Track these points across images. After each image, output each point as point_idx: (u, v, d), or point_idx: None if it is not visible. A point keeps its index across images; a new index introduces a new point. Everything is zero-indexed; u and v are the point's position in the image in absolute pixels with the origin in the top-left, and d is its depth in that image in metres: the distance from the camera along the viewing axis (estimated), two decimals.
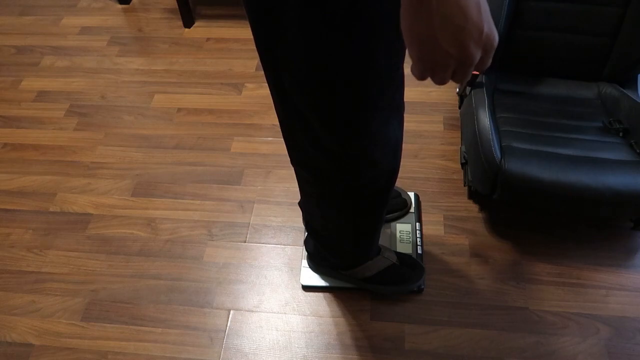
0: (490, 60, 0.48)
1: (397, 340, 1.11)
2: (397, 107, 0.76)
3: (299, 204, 1.07)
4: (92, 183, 1.45)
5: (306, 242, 1.18)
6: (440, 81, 0.49)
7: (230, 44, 1.85)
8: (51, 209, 1.39)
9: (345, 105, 0.68)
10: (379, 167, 0.81)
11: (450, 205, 1.34)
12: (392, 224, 1.29)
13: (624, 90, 1.26)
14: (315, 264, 1.19)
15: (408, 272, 1.16)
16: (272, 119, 1.58)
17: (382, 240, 1.26)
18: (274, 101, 0.74)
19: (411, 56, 0.48)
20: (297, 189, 1.41)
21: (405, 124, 1.55)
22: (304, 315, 1.16)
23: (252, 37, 1.87)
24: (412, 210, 1.31)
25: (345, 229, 0.98)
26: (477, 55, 0.46)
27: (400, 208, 1.29)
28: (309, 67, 0.63)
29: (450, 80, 0.50)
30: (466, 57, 0.45)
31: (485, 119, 1.17)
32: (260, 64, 1.77)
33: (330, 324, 1.15)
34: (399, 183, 1.39)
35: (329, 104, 0.68)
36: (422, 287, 1.18)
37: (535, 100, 1.29)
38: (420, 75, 0.49)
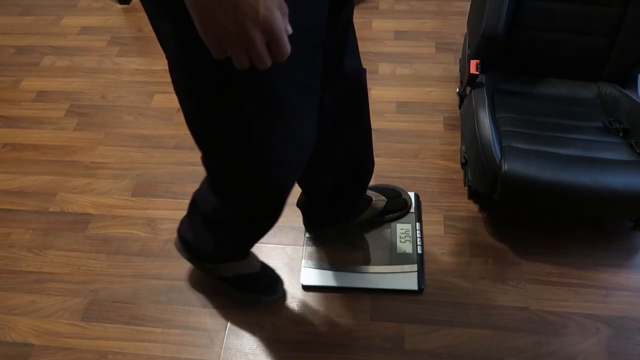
0: (282, 46, 0.50)
1: (397, 340, 1.11)
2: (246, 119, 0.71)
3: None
4: (92, 183, 1.45)
5: (183, 223, 1.12)
6: (237, 62, 0.52)
7: None
8: (51, 209, 1.39)
9: (189, 110, 0.72)
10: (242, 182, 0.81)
11: (450, 205, 1.34)
12: (392, 224, 1.29)
13: (624, 90, 1.26)
14: (183, 247, 1.16)
15: (266, 285, 1.17)
16: None
17: (383, 240, 1.26)
18: None
19: (203, 38, 0.50)
20: (298, 189, 1.41)
21: (405, 124, 1.57)
22: (304, 315, 1.16)
23: None
24: (412, 210, 1.31)
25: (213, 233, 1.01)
26: (256, 35, 0.48)
27: (400, 208, 1.29)
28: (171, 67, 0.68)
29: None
30: (245, 35, 0.48)
31: (485, 119, 1.17)
32: None
33: (330, 324, 1.14)
34: (399, 183, 1.39)
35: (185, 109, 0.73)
36: (422, 287, 1.18)
37: (535, 100, 1.29)
38: (213, 53, 0.51)
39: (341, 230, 1.27)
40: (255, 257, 1.17)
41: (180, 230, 1.11)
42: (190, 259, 1.15)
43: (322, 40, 0.68)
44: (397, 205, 1.29)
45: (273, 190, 0.84)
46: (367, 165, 1.11)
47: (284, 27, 0.50)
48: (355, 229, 1.28)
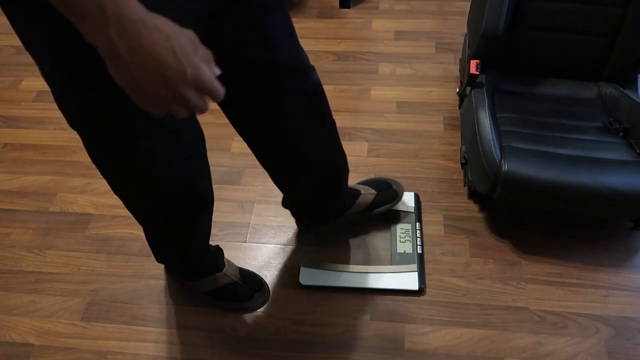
0: (216, 93, 0.51)
1: (397, 340, 1.11)
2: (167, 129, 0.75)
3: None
4: (92, 183, 1.45)
5: (157, 255, 1.14)
6: (177, 115, 0.52)
7: None
8: (51, 209, 1.39)
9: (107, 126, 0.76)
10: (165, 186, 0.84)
11: (450, 205, 1.34)
12: (393, 224, 1.29)
13: (624, 90, 1.26)
14: (170, 271, 1.21)
15: (249, 292, 1.17)
16: None
17: (383, 240, 1.26)
18: None
19: (136, 102, 0.50)
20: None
21: (405, 124, 1.57)
22: (304, 315, 1.16)
23: None
24: (412, 210, 1.31)
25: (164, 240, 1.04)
26: (190, 94, 0.49)
27: (391, 199, 1.28)
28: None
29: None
30: (179, 98, 0.49)
31: (485, 119, 1.17)
32: None
33: (330, 324, 1.14)
34: (400, 182, 1.39)
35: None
36: (422, 287, 1.18)
37: (535, 100, 1.29)
38: (152, 113, 0.52)
39: (333, 228, 1.27)
40: (232, 267, 1.17)
41: (166, 266, 1.20)
42: (177, 280, 1.20)
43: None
44: (387, 196, 1.28)
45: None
46: (338, 162, 1.10)
47: (213, 74, 0.51)
48: (347, 226, 1.28)
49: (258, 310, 1.17)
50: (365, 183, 1.31)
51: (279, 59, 0.82)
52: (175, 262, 1.13)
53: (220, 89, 0.52)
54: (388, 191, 1.29)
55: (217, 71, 0.53)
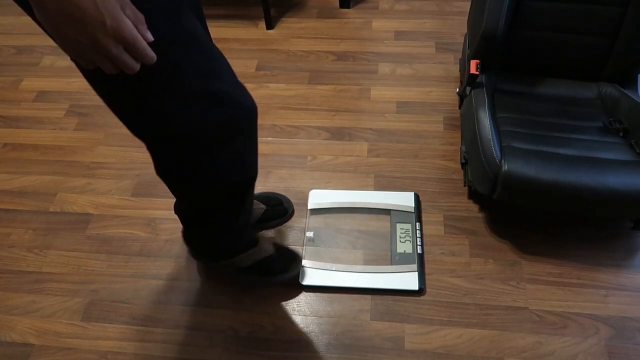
0: (141, 51, 0.53)
1: (397, 340, 1.11)
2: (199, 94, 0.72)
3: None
4: (92, 183, 1.45)
5: (183, 232, 1.14)
6: (105, 69, 0.54)
7: (231, 44, 1.85)
8: (51, 209, 1.39)
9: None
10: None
11: (450, 205, 1.34)
12: (392, 224, 1.29)
13: (624, 90, 1.26)
14: (195, 252, 1.18)
15: (285, 264, 1.18)
16: (272, 119, 1.58)
17: (383, 240, 1.26)
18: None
19: (65, 52, 0.52)
20: (298, 189, 1.41)
21: (405, 124, 1.57)
22: (304, 315, 1.16)
23: (252, 37, 1.88)
24: (412, 210, 1.31)
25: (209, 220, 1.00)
26: (110, 44, 0.51)
27: (279, 215, 1.30)
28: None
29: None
30: (98, 46, 0.50)
31: (485, 119, 1.17)
32: (259, 64, 1.77)
33: (330, 324, 1.15)
34: (399, 183, 1.39)
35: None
36: (422, 287, 1.18)
37: (535, 100, 1.29)
38: (81, 64, 0.53)
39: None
40: (266, 241, 1.18)
41: (186, 241, 1.15)
42: (206, 262, 1.18)
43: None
44: (276, 212, 1.30)
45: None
46: None
47: (138, 34, 0.52)
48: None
49: (263, 310, 1.17)
50: (257, 197, 1.31)
51: None
52: (216, 240, 1.09)
53: (149, 52, 0.54)
54: (278, 207, 1.31)
55: (150, 37, 0.54)
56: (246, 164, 0.90)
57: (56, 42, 0.51)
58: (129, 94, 0.70)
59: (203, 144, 0.79)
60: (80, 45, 0.50)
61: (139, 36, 0.53)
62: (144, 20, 0.54)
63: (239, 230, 1.06)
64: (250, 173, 0.93)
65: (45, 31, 0.62)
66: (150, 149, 0.85)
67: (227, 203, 0.95)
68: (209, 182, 0.88)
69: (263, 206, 1.29)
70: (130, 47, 0.53)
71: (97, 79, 0.69)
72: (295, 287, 1.20)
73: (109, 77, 0.64)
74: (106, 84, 0.70)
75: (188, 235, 1.13)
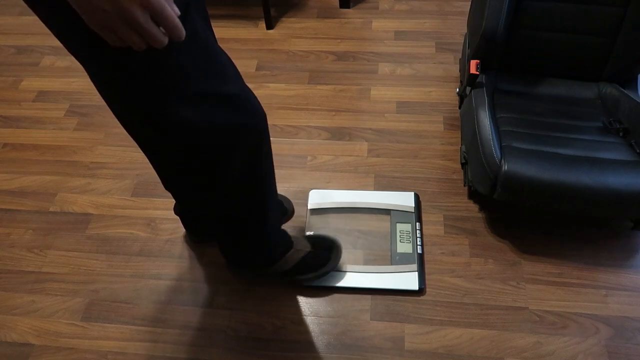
0: (170, 21, 0.50)
1: (397, 340, 1.11)
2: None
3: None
4: (92, 183, 1.45)
5: (220, 248, 1.13)
6: (133, 45, 0.51)
7: (231, 44, 1.85)
8: (51, 209, 1.39)
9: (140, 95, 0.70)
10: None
11: (450, 205, 1.34)
12: (392, 224, 1.29)
13: (624, 90, 1.26)
14: (235, 266, 1.19)
15: (325, 255, 1.17)
16: (272, 119, 1.58)
17: (383, 240, 1.26)
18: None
19: (91, 26, 0.50)
20: (298, 189, 1.41)
21: (405, 124, 1.57)
22: (304, 315, 1.16)
23: (252, 37, 1.88)
24: (412, 210, 1.31)
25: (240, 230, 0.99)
26: (135, 10, 0.48)
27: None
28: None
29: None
30: (123, 12, 0.47)
31: (485, 119, 1.17)
32: (259, 64, 1.77)
33: (330, 324, 1.15)
34: (399, 183, 1.39)
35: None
36: (422, 287, 1.18)
37: (535, 100, 1.29)
38: (107, 40, 0.51)
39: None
40: (300, 239, 1.17)
41: (224, 255, 1.15)
42: (248, 273, 1.19)
43: None
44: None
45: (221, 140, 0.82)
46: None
47: (167, 4, 0.49)
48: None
49: (263, 310, 1.17)
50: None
51: None
52: (252, 251, 1.08)
53: (178, 23, 0.51)
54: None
55: (177, 10, 0.51)
56: (262, 167, 0.88)
57: (80, 13, 0.49)
58: (137, 98, 0.68)
59: (215, 149, 0.77)
60: (105, 14, 0.48)
61: (166, 4, 0.50)
62: None
63: (271, 237, 1.05)
64: (267, 177, 0.92)
65: (49, 25, 0.60)
66: (159, 158, 0.82)
67: (250, 211, 0.94)
68: (225, 188, 0.86)
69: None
70: (158, 15, 0.49)
71: (107, 82, 0.67)
72: (295, 287, 1.20)
73: (120, 77, 0.63)
74: (117, 86, 0.67)
75: (225, 251, 1.12)
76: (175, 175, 0.87)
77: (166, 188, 0.96)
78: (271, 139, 1.53)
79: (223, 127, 0.75)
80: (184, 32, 0.52)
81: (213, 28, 0.86)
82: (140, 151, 1.51)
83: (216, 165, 0.80)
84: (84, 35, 0.57)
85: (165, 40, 0.52)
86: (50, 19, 0.60)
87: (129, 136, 1.56)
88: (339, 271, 1.21)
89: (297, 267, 1.14)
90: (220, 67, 0.72)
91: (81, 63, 0.67)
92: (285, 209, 1.31)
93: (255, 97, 0.81)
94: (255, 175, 0.88)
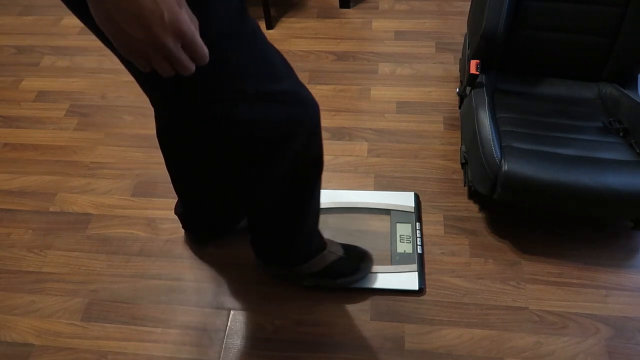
0: (199, 48, 0.51)
1: (397, 340, 1.11)
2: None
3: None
4: (92, 183, 1.45)
5: (252, 242, 1.13)
6: (161, 71, 0.51)
7: None
8: (51, 209, 1.39)
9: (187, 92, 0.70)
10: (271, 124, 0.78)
11: (450, 205, 1.34)
12: (392, 224, 1.29)
13: (624, 90, 1.26)
14: (265, 262, 1.18)
15: (356, 263, 1.16)
16: None
17: (383, 240, 1.26)
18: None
19: (120, 51, 0.50)
20: None
21: (405, 124, 1.57)
22: (304, 315, 1.16)
23: None
24: (412, 210, 1.31)
25: (278, 221, 0.99)
26: (168, 39, 0.48)
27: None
28: None
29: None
30: (155, 41, 0.48)
31: (485, 119, 1.17)
32: None
33: (330, 324, 1.14)
34: (399, 183, 1.39)
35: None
36: (422, 287, 1.18)
37: (535, 100, 1.29)
38: (138, 66, 0.51)
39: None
40: (334, 243, 1.17)
41: (254, 249, 1.14)
42: (277, 270, 1.18)
43: None
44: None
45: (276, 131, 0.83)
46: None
47: (196, 30, 0.50)
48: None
49: (263, 310, 1.17)
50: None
51: None
52: (285, 247, 1.07)
53: (203, 46, 0.51)
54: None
55: (201, 42, 0.52)
56: (311, 157, 0.88)
57: (113, 42, 0.49)
58: (195, 96, 0.68)
59: (268, 142, 0.79)
60: (137, 42, 0.48)
61: (197, 32, 0.51)
62: (197, 24, 0.52)
63: (308, 234, 1.05)
64: (317, 167, 0.91)
65: (96, 33, 0.60)
66: (205, 154, 0.84)
67: (294, 205, 0.94)
68: (274, 180, 0.87)
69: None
70: (188, 43, 0.50)
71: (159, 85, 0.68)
72: (295, 287, 1.20)
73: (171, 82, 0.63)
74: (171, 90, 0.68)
75: (257, 244, 1.12)
76: (218, 169, 0.88)
77: (184, 187, 0.97)
78: None
79: (278, 123, 0.77)
80: (207, 59, 0.53)
81: None
82: (140, 151, 1.52)
83: (270, 157, 0.81)
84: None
85: (193, 67, 0.53)
86: (108, 43, 0.62)
87: (129, 136, 1.56)
88: None
89: (326, 270, 1.13)
90: (275, 65, 0.74)
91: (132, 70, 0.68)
92: None
93: (307, 89, 0.82)
94: (305, 165, 0.89)
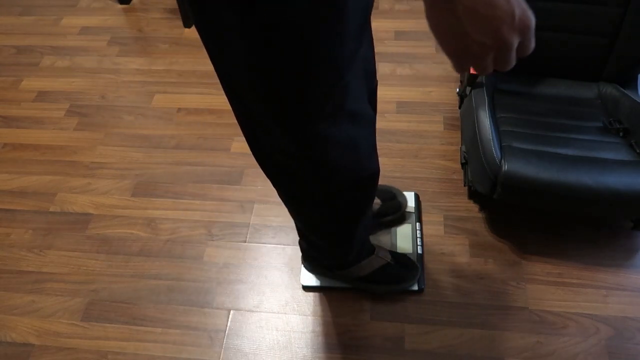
0: (532, 42, 0.45)
1: (397, 340, 1.11)
2: (349, 114, 0.70)
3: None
4: (92, 183, 1.45)
5: (300, 243, 1.16)
6: (482, 71, 0.48)
7: None
8: (51, 209, 1.39)
9: (290, 111, 0.66)
10: (342, 171, 0.78)
11: (450, 205, 1.34)
12: (393, 224, 1.29)
13: (624, 90, 1.26)
14: (310, 264, 1.18)
15: (403, 271, 1.16)
16: None
17: (383, 241, 1.26)
18: (230, 105, 0.72)
19: (445, 53, 0.47)
20: None
21: (405, 124, 1.57)
22: (304, 315, 1.16)
23: None
24: (412, 210, 1.31)
25: (328, 234, 0.97)
26: (514, 40, 0.44)
27: (394, 211, 1.27)
28: (249, 73, 0.61)
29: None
30: (503, 44, 0.43)
31: (485, 119, 1.17)
32: None
33: (330, 324, 1.14)
34: (399, 183, 1.39)
35: (274, 109, 0.66)
36: (422, 287, 1.18)
37: (535, 100, 1.29)
38: (459, 69, 0.48)
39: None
40: (382, 249, 1.16)
41: (302, 249, 1.14)
42: (323, 272, 1.17)
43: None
44: (390, 208, 1.27)
45: (367, 172, 0.83)
46: None
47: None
48: None
49: (263, 310, 1.17)
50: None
51: None
52: (334, 249, 1.05)
53: (534, 41, 0.47)
54: (393, 201, 1.27)
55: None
56: (364, 161, 0.84)
57: (443, 46, 0.45)
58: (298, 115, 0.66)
59: (341, 158, 0.76)
60: (479, 47, 0.44)
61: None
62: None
63: (360, 237, 1.03)
64: (370, 171, 0.87)
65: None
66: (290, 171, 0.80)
67: (354, 205, 0.91)
68: (338, 186, 0.84)
69: (378, 201, 1.25)
70: (526, 40, 0.45)
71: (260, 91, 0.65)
72: (295, 287, 1.20)
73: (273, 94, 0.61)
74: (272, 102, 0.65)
75: (307, 245, 1.10)
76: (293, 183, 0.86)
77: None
78: None
79: (352, 141, 0.75)
80: (530, 51, 0.49)
81: None
82: (140, 151, 1.52)
83: (338, 167, 0.79)
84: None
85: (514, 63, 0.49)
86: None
87: (129, 136, 1.56)
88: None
89: (373, 274, 1.13)
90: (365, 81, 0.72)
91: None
92: (398, 203, 1.29)
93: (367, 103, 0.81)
94: (366, 171, 0.86)
